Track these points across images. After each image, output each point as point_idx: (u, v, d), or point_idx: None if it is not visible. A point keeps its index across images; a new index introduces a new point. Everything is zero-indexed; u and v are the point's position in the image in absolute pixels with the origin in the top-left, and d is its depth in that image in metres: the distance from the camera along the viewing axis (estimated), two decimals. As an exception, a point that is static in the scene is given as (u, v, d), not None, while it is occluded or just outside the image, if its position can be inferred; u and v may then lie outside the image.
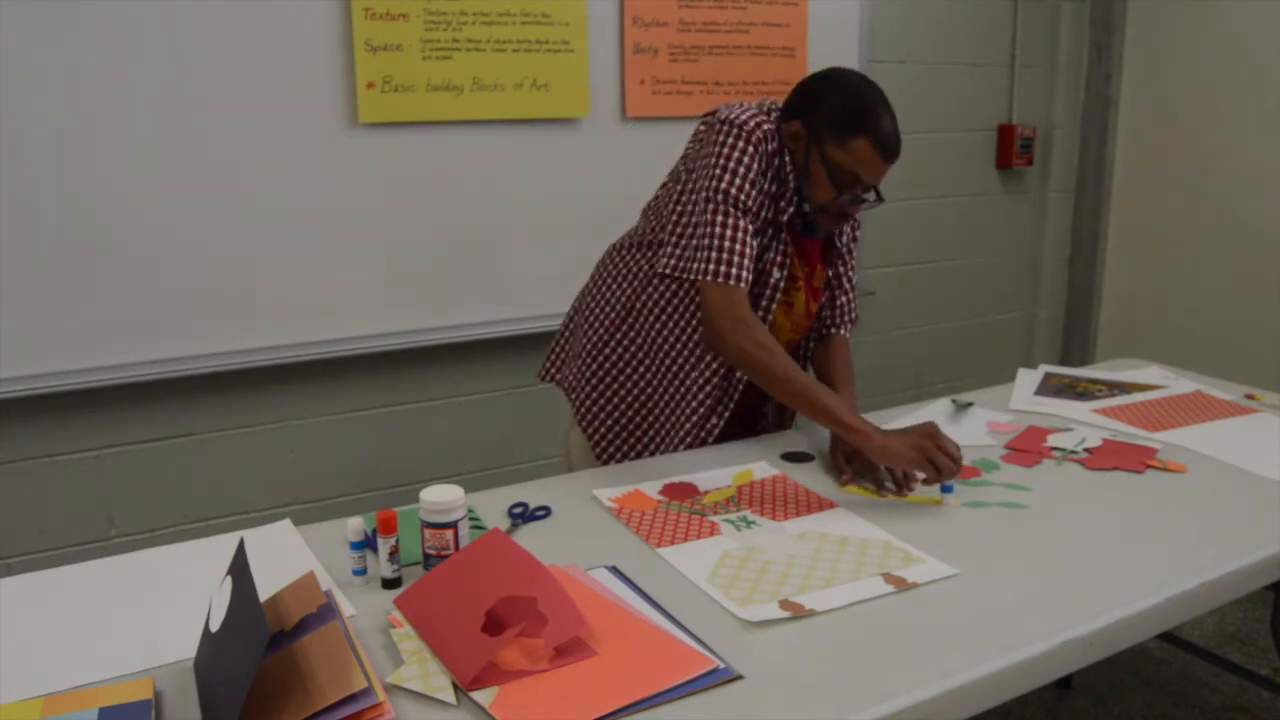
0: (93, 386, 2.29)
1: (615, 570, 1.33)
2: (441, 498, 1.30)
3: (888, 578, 1.30)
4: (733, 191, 1.63)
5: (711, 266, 1.62)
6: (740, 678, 1.08)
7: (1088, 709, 2.41)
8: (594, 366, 1.86)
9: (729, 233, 1.62)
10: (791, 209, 1.68)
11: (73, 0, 2.11)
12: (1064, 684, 2.49)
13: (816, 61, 3.03)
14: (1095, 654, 1.21)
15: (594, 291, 1.89)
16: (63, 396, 2.29)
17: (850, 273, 1.90)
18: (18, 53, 2.09)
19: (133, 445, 2.42)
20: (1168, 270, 3.57)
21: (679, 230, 1.70)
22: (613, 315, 1.83)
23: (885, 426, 1.85)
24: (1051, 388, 2.14)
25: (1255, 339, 3.28)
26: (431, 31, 2.45)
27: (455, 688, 1.07)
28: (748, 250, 1.63)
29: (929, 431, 1.55)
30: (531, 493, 1.59)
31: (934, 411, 1.97)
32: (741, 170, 1.63)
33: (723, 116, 1.66)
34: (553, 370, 1.98)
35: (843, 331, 1.91)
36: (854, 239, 1.88)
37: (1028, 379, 2.21)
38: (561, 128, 2.68)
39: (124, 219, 2.24)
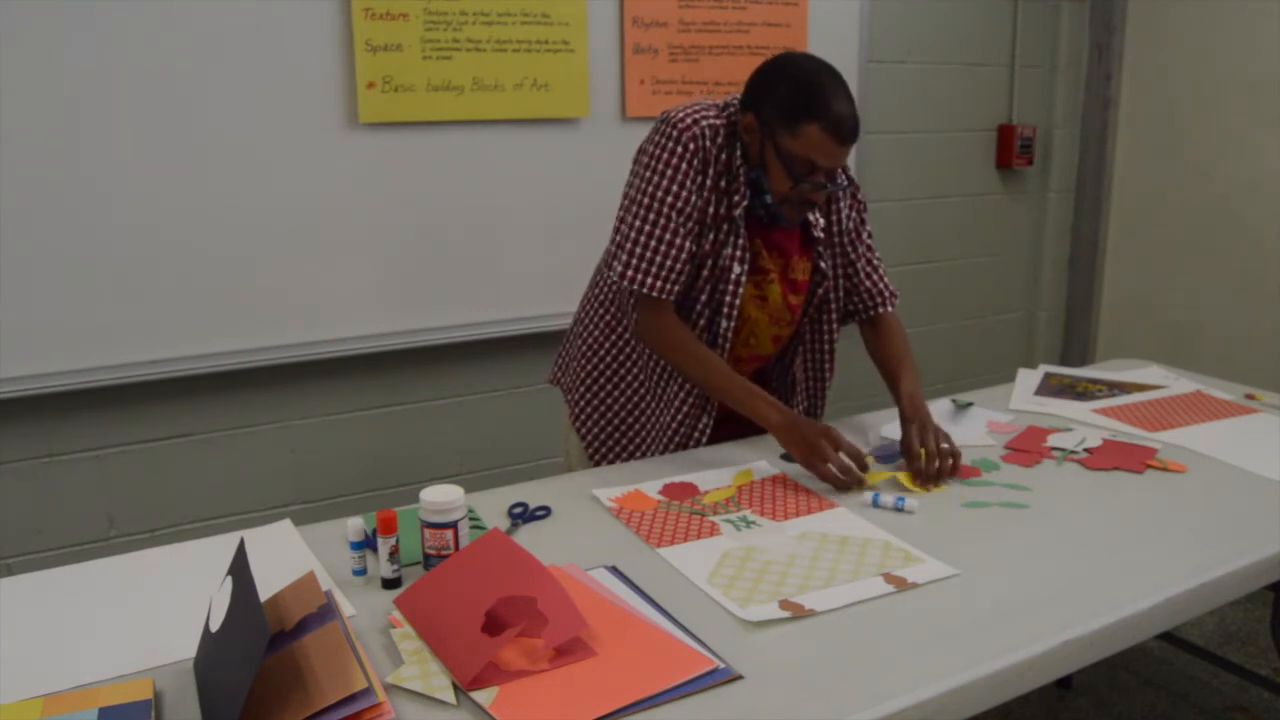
0: (93, 386, 2.29)
1: (615, 570, 1.33)
2: (441, 498, 1.30)
3: (888, 578, 1.30)
4: (659, 194, 1.63)
5: (630, 273, 1.65)
6: (740, 678, 1.08)
7: (1088, 709, 2.41)
8: (589, 368, 1.85)
9: (645, 239, 1.64)
10: (745, 203, 1.66)
11: (73, 0, 2.11)
12: (1064, 684, 2.49)
13: (816, 61, 3.03)
14: (1095, 654, 1.21)
15: (590, 294, 1.89)
16: (63, 396, 2.29)
17: (869, 254, 1.87)
18: (17, 53, 2.09)
19: (133, 445, 2.42)
20: (1168, 270, 3.56)
21: (616, 229, 1.72)
22: (607, 318, 1.83)
23: (884, 427, 1.87)
24: (1051, 388, 2.14)
25: (1255, 339, 3.28)
26: (431, 31, 2.45)
27: (455, 688, 1.07)
28: (669, 253, 1.63)
29: (816, 445, 1.56)
30: (531, 493, 1.59)
31: (934, 411, 1.97)
32: (669, 171, 1.62)
33: (663, 116, 1.66)
34: (559, 374, 1.98)
35: (884, 309, 1.88)
36: (861, 221, 1.85)
37: (1028, 379, 2.21)
38: (561, 128, 2.68)
39: (124, 219, 2.24)
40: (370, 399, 2.68)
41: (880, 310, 1.88)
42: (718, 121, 1.64)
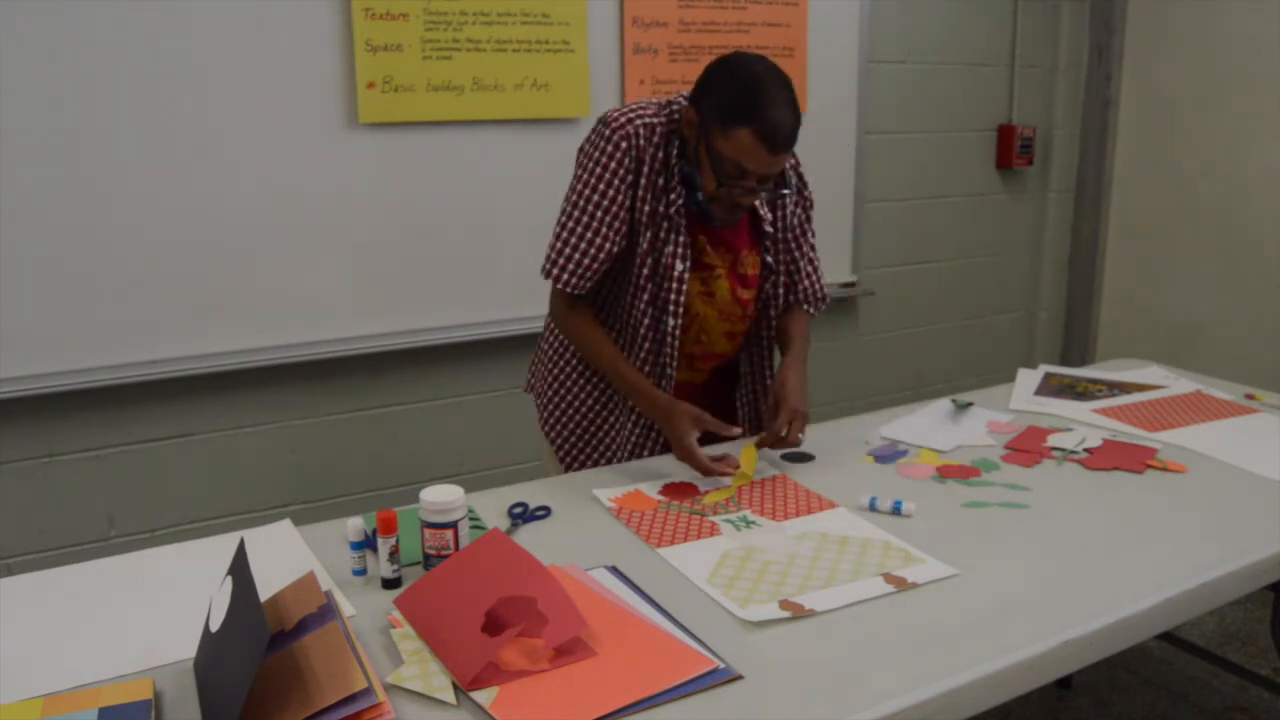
0: (92, 386, 2.29)
1: (615, 570, 1.33)
2: (441, 498, 1.30)
3: (888, 578, 1.30)
4: (585, 191, 1.64)
5: (547, 265, 1.71)
6: (740, 678, 1.08)
7: (1088, 709, 2.41)
8: (555, 371, 1.85)
9: (567, 235, 1.67)
10: (680, 200, 1.65)
11: (73, 0, 2.11)
12: (1064, 684, 2.49)
13: (816, 61, 3.03)
14: (1095, 654, 1.22)
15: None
16: (62, 396, 2.29)
17: (811, 253, 1.85)
18: (18, 53, 2.09)
19: (132, 445, 2.42)
20: (1168, 270, 3.56)
21: None
22: None
23: (884, 427, 1.87)
24: (1051, 388, 2.14)
25: (1255, 339, 3.28)
26: (431, 31, 2.45)
27: (455, 688, 1.07)
28: (587, 250, 1.65)
29: (681, 442, 1.60)
30: (531, 493, 1.59)
31: (934, 411, 1.97)
32: (597, 169, 1.63)
33: (602, 116, 1.66)
34: (532, 380, 1.97)
35: (809, 310, 1.87)
36: (807, 218, 1.82)
37: (1028, 379, 2.21)
38: (561, 128, 2.68)
39: (124, 219, 2.24)
40: (370, 399, 2.68)
41: (805, 308, 1.87)
42: (655, 120, 1.64)
